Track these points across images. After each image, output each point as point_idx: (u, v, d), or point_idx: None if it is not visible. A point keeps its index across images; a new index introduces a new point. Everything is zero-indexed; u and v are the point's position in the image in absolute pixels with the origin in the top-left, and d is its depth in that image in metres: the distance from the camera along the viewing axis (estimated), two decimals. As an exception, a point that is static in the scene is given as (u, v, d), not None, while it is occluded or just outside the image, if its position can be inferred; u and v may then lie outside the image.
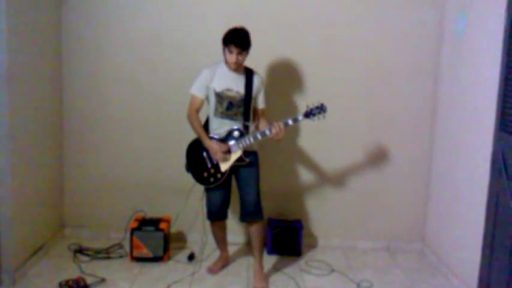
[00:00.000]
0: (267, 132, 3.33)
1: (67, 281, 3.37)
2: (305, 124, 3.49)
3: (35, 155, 3.77)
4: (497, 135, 3.05)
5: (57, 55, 4.10)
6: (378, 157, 4.21)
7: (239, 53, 3.30)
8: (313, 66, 4.11)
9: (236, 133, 3.42)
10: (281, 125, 3.31)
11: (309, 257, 4.10)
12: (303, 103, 4.01)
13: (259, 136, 3.37)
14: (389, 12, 4.05)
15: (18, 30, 3.42)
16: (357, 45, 4.09)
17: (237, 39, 3.27)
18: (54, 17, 4.03)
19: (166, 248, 3.90)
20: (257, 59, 3.43)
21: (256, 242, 3.55)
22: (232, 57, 3.30)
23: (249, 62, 3.44)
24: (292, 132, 4.13)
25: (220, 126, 3.45)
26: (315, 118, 3.33)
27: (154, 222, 3.94)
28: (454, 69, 3.82)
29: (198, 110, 3.46)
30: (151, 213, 4.12)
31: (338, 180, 4.25)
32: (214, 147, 3.40)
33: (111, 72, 4.17)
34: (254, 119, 3.56)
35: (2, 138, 3.31)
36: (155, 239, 3.86)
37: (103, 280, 3.52)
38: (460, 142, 3.66)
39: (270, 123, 3.39)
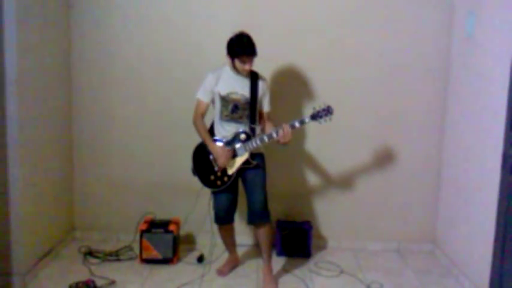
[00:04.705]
0: (274, 134, 3.33)
1: (77, 283, 3.39)
2: (313, 125, 3.48)
3: (45, 158, 3.79)
4: (508, 135, 3.02)
5: (66, 59, 4.12)
6: (387, 158, 4.18)
7: (251, 60, 3.31)
8: (321, 67, 4.09)
9: (242, 136, 3.42)
10: (288, 127, 3.31)
11: (318, 258, 4.09)
12: (310, 105, 4.00)
13: (266, 139, 3.36)
14: (398, 13, 4.03)
15: (27, 35, 3.44)
16: (365, 46, 4.07)
17: (249, 50, 3.26)
18: (63, 21, 4.06)
19: (175, 250, 3.91)
20: (263, 61, 3.43)
21: (264, 245, 3.54)
22: (247, 66, 3.31)
23: (255, 64, 3.41)
24: (300, 134, 4.12)
25: (226, 130, 3.45)
26: (322, 120, 3.32)
27: (163, 224, 3.95)
28: (463, 69, 3.80)
29: (203, 115, 3.47)
30: (160, 215, 4.13)
31: (347, 181, 4.23)
32: (218, 152, 3.40)
33: (120, 75, 4.18)
34: (259, 122, 3.55)
35: (12, 141, 3.34)
36: (164, 241, 3.87)
37: (113, 282, 3.53)
38: (470, 142, 3.64)
39: (277, 126, 3.38)
